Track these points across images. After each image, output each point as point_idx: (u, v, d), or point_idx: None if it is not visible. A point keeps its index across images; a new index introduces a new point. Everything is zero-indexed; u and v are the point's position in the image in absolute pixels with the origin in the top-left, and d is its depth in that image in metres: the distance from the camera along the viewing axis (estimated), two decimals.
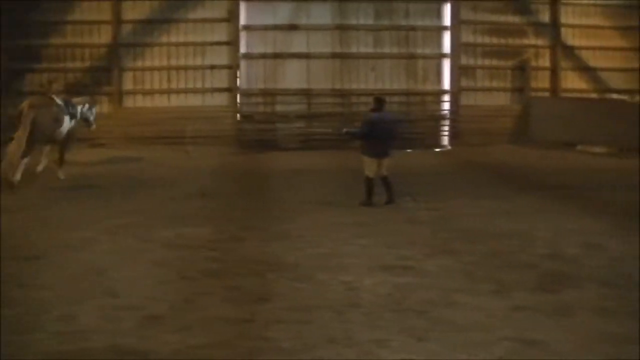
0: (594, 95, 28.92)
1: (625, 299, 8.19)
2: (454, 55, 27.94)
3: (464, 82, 28.26)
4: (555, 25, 28.75)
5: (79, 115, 18.65)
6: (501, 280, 8.90)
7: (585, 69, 29.33)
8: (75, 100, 18.90)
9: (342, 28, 27.00)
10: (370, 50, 27.32)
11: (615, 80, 29.44)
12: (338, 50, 27.08)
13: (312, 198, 15.38)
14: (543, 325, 7.24)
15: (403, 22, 27.45)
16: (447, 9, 27.88)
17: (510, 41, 28.61)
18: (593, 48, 29.28)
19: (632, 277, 9.03)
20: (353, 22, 27.10)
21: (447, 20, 27.93)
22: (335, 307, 7.67)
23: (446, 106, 28.27)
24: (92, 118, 19.69)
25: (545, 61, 28.96)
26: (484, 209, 14.13)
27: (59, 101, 17.75)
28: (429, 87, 27.96)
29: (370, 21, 27.24)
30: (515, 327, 7.15)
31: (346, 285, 8.59)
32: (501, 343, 6.68)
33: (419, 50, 27.73)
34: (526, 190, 16.73)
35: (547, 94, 29.08)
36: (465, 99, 28.26)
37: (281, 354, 6.32)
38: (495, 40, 28.47)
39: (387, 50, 27.46)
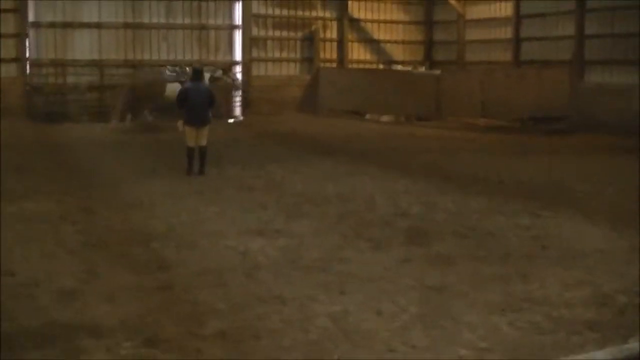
0: (379, 66, 30.35)
1: (484, 247, 8.96)
2: (245, 26, 28.24)
3: (255, 53, 28.67)
4: None
5: None
6: (372, 237, 9.35)
7: (370, 41, 30.72)
8: None
9: None
10: (162, 20, 26.94)
11: (398, 52, 31.15)
12: (130, 20, 26.43)
13: (134, 169, 15.16)
14: (435, 273, 7.76)
15: None
16: None
17: (300, 13, 29.39)
18: (377, 21, 30.79)
19: (478, 229, 9.89)
20: None
21: None
22: (241, 270, 7.74)
23: (238, 76, 28.42)
24: None
25: (332, 33, 30.12)
26: (303, 175, 14.64)
27: None
28: (221, 58, 28.01)
29: None
30: (412, 276, 7.61)
31: (233, 249, 8.65)
32: (412, 290, 7.12)
33: (211, 21, 27.75)
34: (332, 156, 17.40)
35: (334, 65, 30.12)
36: (256, 70, 28.63)
37: (223, 315, 6.33)
38: (284, 12, 29.09)
39: (179, 21, 27.21)
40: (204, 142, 14.59)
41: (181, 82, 20.57)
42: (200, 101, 14.53)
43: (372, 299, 6.83)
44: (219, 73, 21.81)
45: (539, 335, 6.04)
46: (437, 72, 27.79)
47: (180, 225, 9.91)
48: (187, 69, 21.54)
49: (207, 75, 20.76)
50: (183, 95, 14.69)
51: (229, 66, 27.92)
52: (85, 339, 5.71)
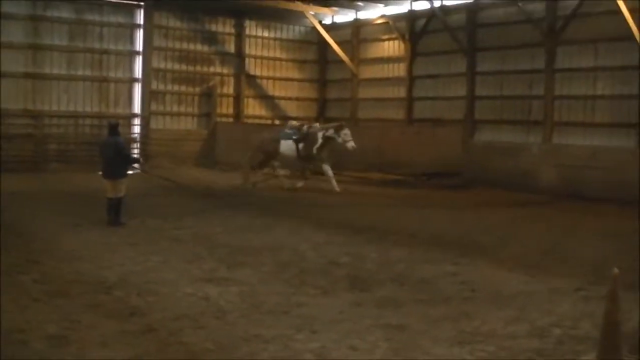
0: (275, 122, 31.26)
1: (422, 291, 9.77)
2: (145, 79, 28.59)
3: (154, 106, 29.13)
4: (240, 55, 30.76)
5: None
6: (316, 284, 9.99)
7: (265, 97, 31.66)
8: None
9: (35, 47, 26.38)
10: (63, 71, 26.95)
11: (293, 108, 32.20)
12: (31, 70, 26.34)
13: (60, 220, 15.22)
14: (388, 314, 8.47)
15: (97, 45, 27.52)
16: (139, 35, 28.41)
17: (198, 68, 30.03)
18: (273, 78, 31.80)
19: (411, 276, 10.73)
20: (47, 42, 26.58)
21: (139, 46, 28.47)
22: (210, 314, 8.22)
23: (137, 129, 28.63)
24: None
25: (230, 88, 30.91)
26: (223, 227, 15.08)
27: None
28: (121, 110, 28.28)
29: (64, 42, 26.90)
30: (369, 317, 8.29)
31: (194, 296, 9.10)
32: (375, 328, 7.79)
33: (112, 74, 27.99)
34: (242, 209, 17.97)
35: (231, 119, 30.83)
36: (155, 123, 28.99)
37: (216, 353, 6.82)
38: (184, 67, 29.66)
39: (80, 72, 27.31)
40: (119, 194, 14.95)
41: (294, 140, 22.22)
42: (112, 155, 15.05)
43: (343, 336, 7.46)
44: (331, 132, 21.79)
45: None
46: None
47: (131, 275, 10.25)
48: (305, 127, 22.57)
49: (320, 134, 21.93)
50: (99, 151, 15.33)
51: (127, 118, 28.13)
52: None
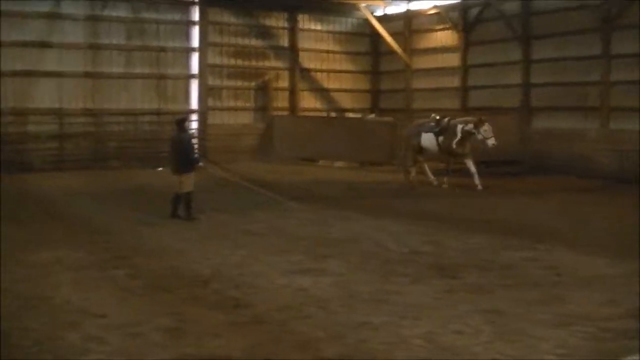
0: (330, 114, 31.49)
1: (508, 277, 9.94)
2: (202, 75, 28.96)
3: (211, 102, 29.46)
4: (293, 49, 31.03)
5: None
6: (404, 273, 10.21)
7: (319, 90, 31.90)
8: None
9: (94, 47, 26.86)
10: (121, 70, 27.42)
11: (346, 101, 32.41)
12: (90, 69, 26.83)
13: (131, 217, 15.60)
14: (482, 299, 8.67)
15: (154, 43, 27.94)
16: (195, 32, 28.79)
17: (253, 63, 30.40)
18: (326, 71, 32.06)
19: (494, 262, 10.92)
20: (105, 41, 27.06)
21: (195, 42, 28.85)
22: (312, 304, 8.48)
23: (195, 125, 29.02)
24: None
25: (284, 82, 31.20)
26: (295, 219, 15.37)
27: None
28: (178, 106, 28.54)
29: (122, 41, 27.37)
30: (465, 303, 8.50)
31: (290, 287, 9.37)
32: (474, 313, 7.99)
33: (169, 71, 28.40)
34: (308, 201, 18.12)
35: (287, 113, 31.12)
36: (212, 118, 29.35)
37: (328, 341, 7.08)
38: (239, 62, 30.03)
39: (138, 70, 27.74)
40: (187, 189, 15.28)
41: (435, 133, 21.24)
42: (179, 151, 15.50)
43: (445, 322, 7.68)
44: (470, 127, 20.44)
45: (600, 342, 7.05)
46: (390, 119, 28.91)
47: (223, 268, 10.55)
48: (445, 120, 21.29)
49: (459, 128, 20.71)
50: (169, 147, 16.02)
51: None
52: None
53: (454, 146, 20.72)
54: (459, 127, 20.60)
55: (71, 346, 6.99)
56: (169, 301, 8.70)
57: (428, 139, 21.37)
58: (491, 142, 19.92)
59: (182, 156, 15.47)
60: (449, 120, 21.08)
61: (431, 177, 21.71)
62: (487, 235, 13.19)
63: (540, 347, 6.91)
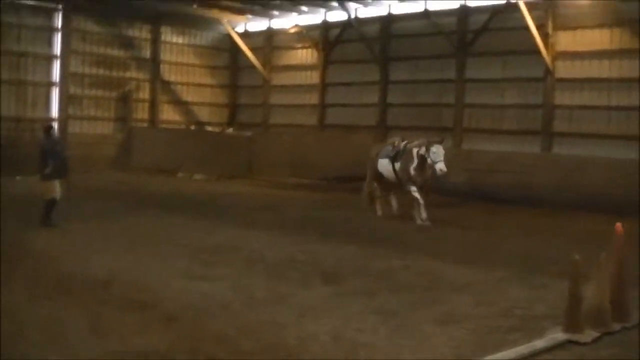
0: (190, 127, 31.89)
1: (380, 282, 10.86)
2: (63, 83, 28.70)
3: (71, 111, 29.15)
4: (155, 61, 31.26)
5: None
6: (290, 278, 10.96)
7: (179, 102, 32.28)
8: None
9: None
10: None
11: (205, 114, 32.98)
12: None
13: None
14: (369, 301, 9.55)
15: (14, 48, 27.39)
16: (57, 38, 28.49)
17: (115, 73, 30.37)
18: (187, 84, 32.51)
19: (369, 269, 11.85)
20: None
21: (57, 49, 28.54)
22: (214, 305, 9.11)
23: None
24: None
25: (145, 93, 31.37)
26: (173, 227, 15.85)
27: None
28: (38, 114, 28.15)
29: None
30: (359, 304, 9.35)
31: (189, 289, 9.94)
32: (369, 315, 8.85)
33: (29, 77, 27.91)
34: (177, 212, 18.41)
35: (146, 124, 31.29)
36: (72, 127, 29.04)
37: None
38: (101, 72, 29.93)
39: None
40: (51, 196, 15.49)
41: (390, 158, 18.35)
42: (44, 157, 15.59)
43: (345, 321, 8.48)
44: (423, 150, 17.34)
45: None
46: (248, 133, 29.68)
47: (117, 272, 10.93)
48: (402, 143, 18.32)
49: (414, 152, 17.65)
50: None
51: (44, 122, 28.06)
52: None
53: (412, 173, 17.69)
54: (414, 150, 17.68)
55: None
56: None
57: (384, 166, 18.69)
58: (439, 166, 16.82)
59: (47, 163, 15.50)
60: (406, 144, 18.20)
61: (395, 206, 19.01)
62: (358, 246, 13.98)
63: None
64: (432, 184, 18.10)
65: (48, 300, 9.12)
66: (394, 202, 18.98)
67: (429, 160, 17.07)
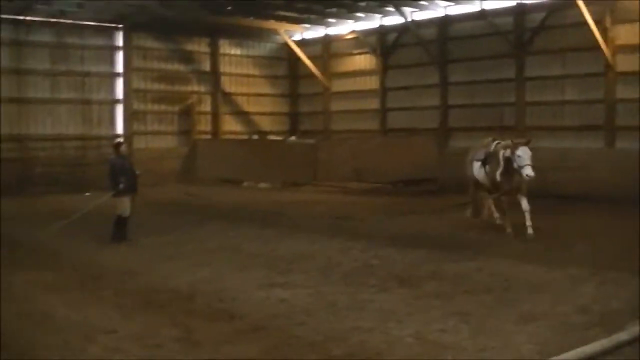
0: (253, 137, 32.33)
1: (463, 284, 10.97)
2: (126, 100, 29.41)
3: (136, 126, 29.80)
4: (215, 73, 31.80)
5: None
6: (371, 284, 11.16)
7: (240, 113, 32.76)
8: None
9: (18, 72, 26.92)
10: (47, 95, 27.58)
11: (266, 123, 33.37)
12: (15, 94, 26.88)
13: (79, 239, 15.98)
14: (451, 304, 9.71)
15: (78, 68, 28.20)
16: (119, 56, 29.23)
17: (177, 88, 31.01)
18: (247, 94, 32.96)
19: (443, 272, 11.94)
20: (30, 66, 27.16)
21: (119, 67, 29.30)
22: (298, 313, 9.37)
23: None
24: None
25: (207, 106, 31.92)
26: (245, 237, 16.15)
27: None
28: (104, 131, 28.93)
29: (46, 66, 27.52)
30: (436, 307, 9.52)
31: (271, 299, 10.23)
32: (446, 317, 9.01)
33: (94, 96, 28.70)
34: (249, 222, 18.83)
35: (209, 136, 31.82)
36: (137, 143, 29.64)
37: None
38: (163, 87, 30.58)
39: (63, 95, 27.95)
40: (122, 212, 15.91)
41: (481, 161, 16.64)
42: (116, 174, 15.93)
43: (425, 324, 8.66)
44: (508, 152, 15.44)
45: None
46: (311, 140, 29.98)
47: (196, 284, 11.28)
48: (493, 144, 16.43)
49: (500, 154, 15.77)
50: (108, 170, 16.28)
51: (110, 139, 28.74)
52: None
53: (498, 178, 16.02)
54: (501, 153, 15.81)
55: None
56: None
57: (476, 169, 17.03)
58: (526, 171, 14.95)
59: (117, 180, 15.85)
60: (496, 145, 16.27)
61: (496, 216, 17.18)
62: (427, 250, 14.00)
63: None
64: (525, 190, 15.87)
65: (138, 314, 9.47)
66: (497, 209, 17.13)
67: (514, 165, 15.21)
